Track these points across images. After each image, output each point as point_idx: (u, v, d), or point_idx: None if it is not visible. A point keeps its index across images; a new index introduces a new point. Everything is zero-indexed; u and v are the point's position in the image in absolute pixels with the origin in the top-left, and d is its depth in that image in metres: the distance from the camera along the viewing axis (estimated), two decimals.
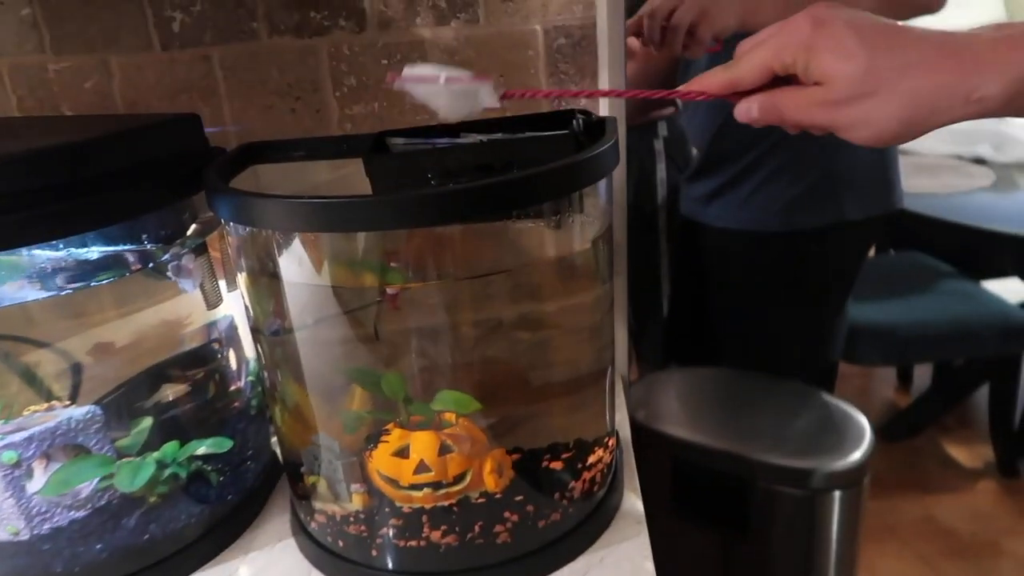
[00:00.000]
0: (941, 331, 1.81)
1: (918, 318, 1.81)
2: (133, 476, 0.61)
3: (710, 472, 1.15)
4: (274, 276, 0.57)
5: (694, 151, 1.29)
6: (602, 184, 0.57)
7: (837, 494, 1.13)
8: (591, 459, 0.63)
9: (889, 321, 1.82)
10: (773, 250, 1.17)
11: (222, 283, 0.69)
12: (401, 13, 0.73)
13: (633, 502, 0.66)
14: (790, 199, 1.13)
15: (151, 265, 0.62)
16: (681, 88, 0.51)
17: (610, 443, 0.66)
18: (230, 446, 0.68)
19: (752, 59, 0.49)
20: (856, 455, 1.13)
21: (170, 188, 0.58)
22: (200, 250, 0.65)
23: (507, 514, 0.60)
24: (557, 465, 0.63)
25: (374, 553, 0.60)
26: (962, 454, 2.15)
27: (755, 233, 1.17)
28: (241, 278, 0.61)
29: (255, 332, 0.64)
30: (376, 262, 0.56)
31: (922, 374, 2.46)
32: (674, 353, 1.48)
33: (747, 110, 0.50)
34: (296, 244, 0.55)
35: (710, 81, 0.51)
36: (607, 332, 0.65)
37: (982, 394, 2.15)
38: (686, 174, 1.30)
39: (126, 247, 0.61)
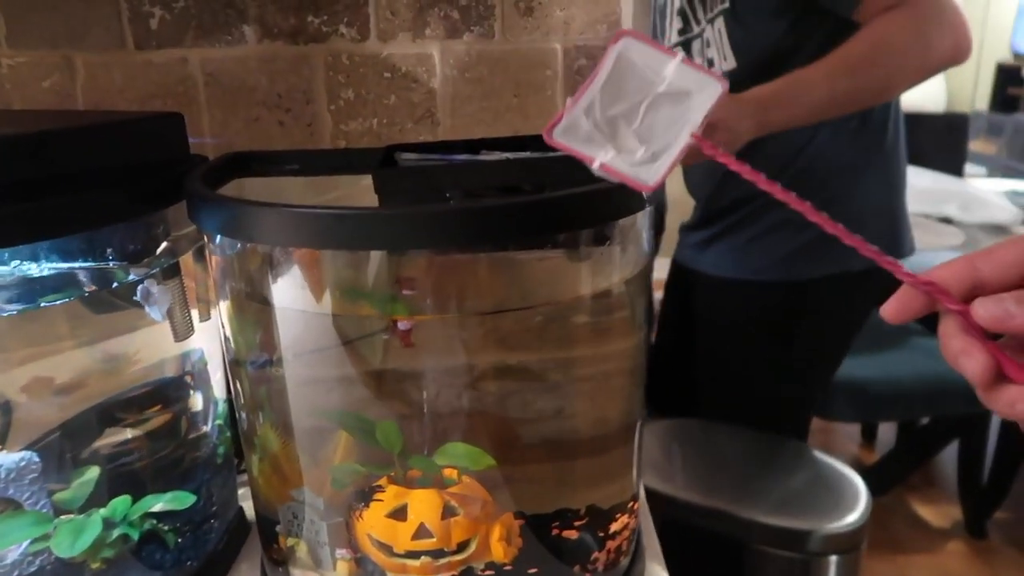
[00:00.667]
0: (913, 389, 1.79)
1: (890, 375, 1.79)
2: (74, 538, 0.51)
3: (701, 531, 1.08)
4: (264, 302, 0.48)
5: (692, 202, 1.24)
6: (643, 216, 0.51)
7: (834, 559, 1.07)
8: (616, 525, 0.56)
9: (862, 377, 1.80)
10: (771, 300, 1.13)
11: (194, 312, 0.60)
12: (409, 23, 0.67)
13: (658, 572, 0.59)
14: (793, 248, 1.08)
15: (113, 285, 0.52)
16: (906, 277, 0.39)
17: (635, 507, 0.59)
18: (192, 502, 0.58)
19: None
20: (853, 517, 1.07)
21: (144, 196, 0.49)
22: (171, 272, 0.56)
23: None
24: (572, 533, 0.56)
25: None
26: (929, 513, 2.13)
27: (753, 282, 1.13)
28: (223, 305, 0.52)
29: (234, 366, 0.55)
30: (387, 291, 0.49)
31: (886, 430, 2.45)
32: (653, 401, 1.42)
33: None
34: (294, 266, 0.47)
35: (942, 275, 0.34)
36: (639, 383, 0.58)
37: (947, 452, 2.14)
38: (686, 222, 1.25)
39: (85, 263, 0.52)
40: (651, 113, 0.36)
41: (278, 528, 0.56)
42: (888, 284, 0.35)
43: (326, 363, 0.54)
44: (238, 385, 0.56)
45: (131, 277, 0.52)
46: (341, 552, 0.53)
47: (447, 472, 0.56)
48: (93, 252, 0.52)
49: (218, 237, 0.48)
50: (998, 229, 2.11)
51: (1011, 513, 2.06)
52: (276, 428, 0.55)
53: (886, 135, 1.09)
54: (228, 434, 0.66)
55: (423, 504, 0.53)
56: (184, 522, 0.59)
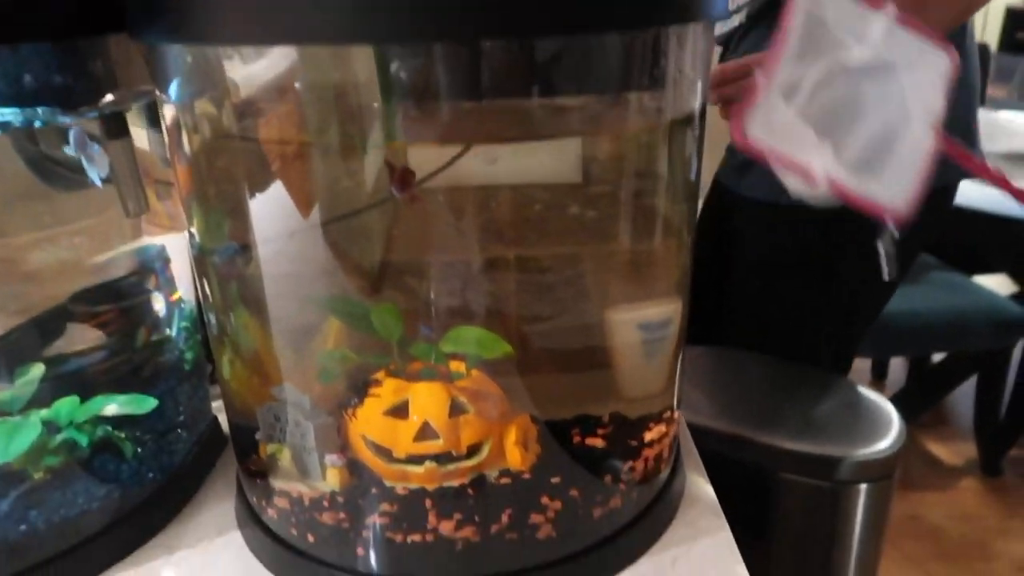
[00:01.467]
0: (936, 323, 1.72)
1: (909, 309, 1.71)
2: (7, 440, 0.43)
3: (727, 460, 1.00)
4: (231, 174, 0.39)
5: None
6: (695, 35, 0.41)
7: (864, 487, 1.00)
8: (651, 434, 0.47)
9: (884, 312, 1.73)
10: (822, 224, 1.02)
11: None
12: None
13: (701, 486, 0.50)
14: None
15: (36, 125, 0.43)
16: None
17: (673, 416, 0.50)
18: (152, 407, 0.49)
19: None
20: (886, 443, 1.00)
21: (79, 12, 0.39)
22: (117, 129, 0.46)
23: (545, 499, 0.43)
24: (597, 440, 0.47)
25: (359, 551, 0.43)
26: (943, 452, 2.08)
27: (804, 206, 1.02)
28: (181, 172, 0.43)
29: (200, 259, 0.46)
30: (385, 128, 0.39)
31: (896, 369, 2.39)
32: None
33: None
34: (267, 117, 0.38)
35: None
36: (685, 266, 0.49)
37: (960, 391, 2.09)
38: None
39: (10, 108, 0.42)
40: (845, 92, 0.25)
41: (256, 435, 0.47)
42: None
43: (311, 244, 0.44)
44: (205, 282, 0.46)
45: (64, 119, 0.42)
46: (331, 458, 0.44)
47: (454, 365, 0.47)
48: (20, 94, 0.42)
49: (167, 59, 0.38)
50: (1022, 158, 2.02)
51: None
52: (252, 318, 0.46)
53: (965, 54, 1.00)
54: (198, 338, 0.57)
55: (427, 399, 0.44)
56: (145, 431, 0.50)
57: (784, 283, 1.09)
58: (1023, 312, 1.81)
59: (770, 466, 0.98)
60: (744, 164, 1.09)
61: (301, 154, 0.43)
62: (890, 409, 1.06)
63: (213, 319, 0.48)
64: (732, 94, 0.89)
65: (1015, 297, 1.85)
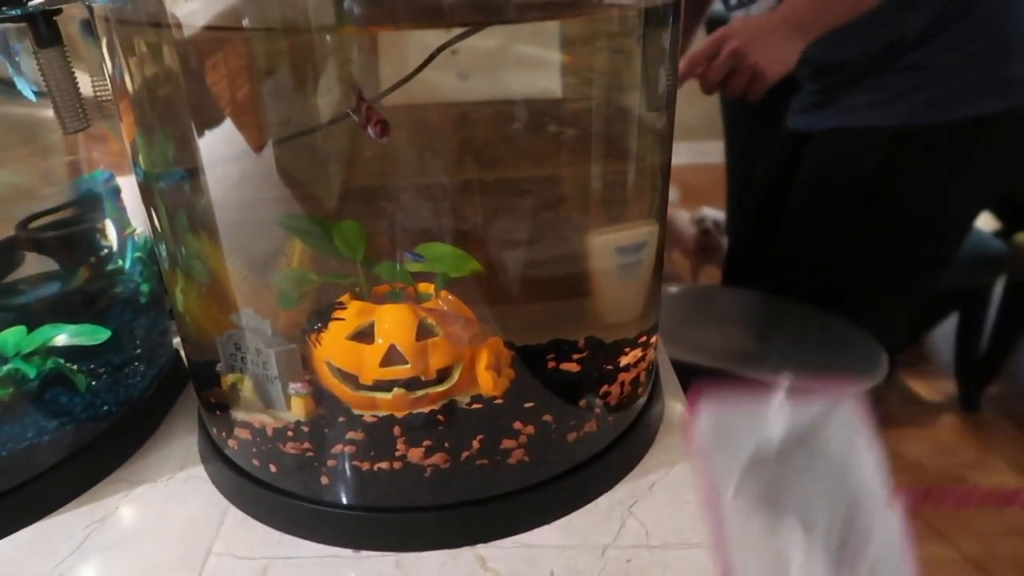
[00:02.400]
0: None
1: None
2: None
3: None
4: (171, 77, 0.36)
5: None
6: None
7: None
8: (627, 358, 0.45)
9: None
10: (910, 151, 0.98)
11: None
12: None
13: (680, 413, 0.49)
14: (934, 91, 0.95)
15: None
16: None
17: (652, 340, 0.48)
18: (105, 337, 0.47)
19: None
20: (870, 378, 0.99)
21: None
22: (49, 37, 0.43)
23: (517, 425, 0.41)
24: (572, 366, 0.45)
25: (324, 481, 0.41)
26: (922, 388, 2.10)
27: (883, 129, 0.98)
28: (118, 92, 0.39)
29: (146, 183, 0.43)
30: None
31: None
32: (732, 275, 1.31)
33: None
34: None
35: None
36: (662, 189, 0.47)
37: (939, 329, 2.10)
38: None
39: None
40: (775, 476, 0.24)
41: (218, 366, 0.45)
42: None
43: (265, 165, 0.41)
44: (153, 211, 0.43)
45: None
46: (294, 387, 0.42)
47: (422, 286, 0.44)
48: None
49: None
50: None
51: (1004, 387, 2.03)
52: (206, 243, 0.43)
53: None
54: (155, 270, 0.54)
55: (393, 322, 0.42)
56: (100, 364, 0.48)
57: (845, 208, 1.04)
58: (1004, 248, 1.81)
59: None
60: (814, 104, 1.05)
61: (250, 78, 0.40)
62: (874, 344, 1.05)
63: (164, 250, 0.45)
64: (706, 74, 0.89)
65: (997, 234, 1.85)
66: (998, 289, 1.91)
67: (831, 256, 1.10)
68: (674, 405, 0.50)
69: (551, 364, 0.46)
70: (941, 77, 0.95)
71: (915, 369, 2.16)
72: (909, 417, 1.98)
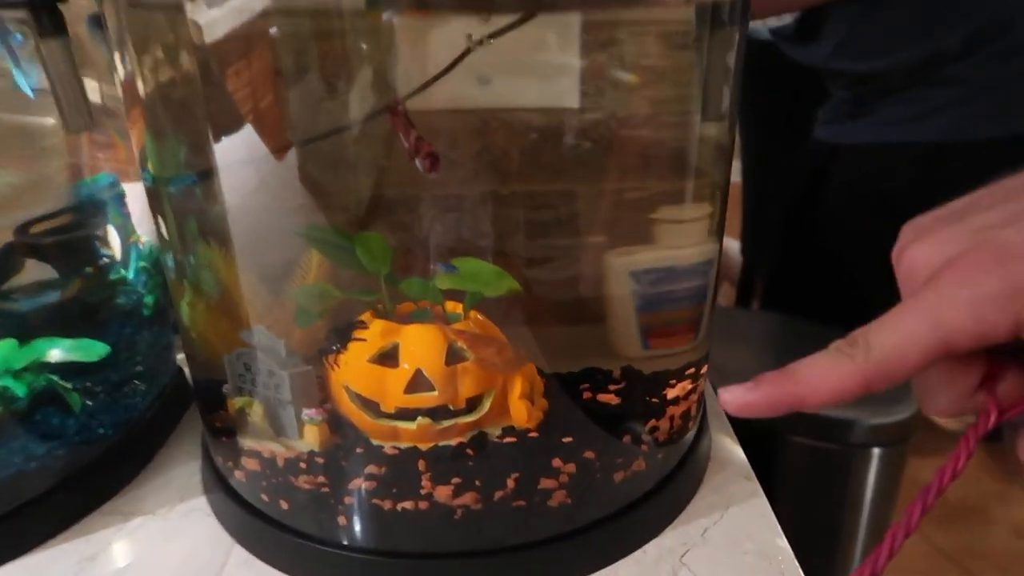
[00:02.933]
0: None
1: None
2: None
3: (733, 421, 0.95)
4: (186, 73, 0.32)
5: None
6: None
7: (876, 451, 0.95)
8: (677, 389, 0.41)
9: None
10: (948, 167, 0.94)
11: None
12: None
13: (729, 448, 0.45)
14: (973, 107, 0.91)
15: None
16: None
17: (702, 371, 0.44)
18: (103, 353, 0.43)
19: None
20: (901, 407, 0.95)
21: None
22: (52, 26, 0.39)
23: (557, 462, 0.37)
24: (610, 397, 0.41)
25: (340, 521, 0.37)
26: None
27: (916, 144, 0.95)
28: (126, 87, 0.36)
29: (154, 187, 0.39)
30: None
31: None
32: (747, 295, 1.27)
33: None
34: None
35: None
36: (720, 201, 0.43)
37: None
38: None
39: None
40: None
41: (225, 388, 0.41)
42: None
43: (286, 171, 0.38)
44: (160, 215, 0.40)
45: None
46: (309, 413, 0.38)
47: (450, 305, 0.41)
48: None
49: None
50: None
51: None
52: (216, 252, 0.39)
53: None
54: (160, 281, 0.51)
55: (420, 344, 0.38)
56: (96, 381, 0.44)
57: (880, 226, 1.00)
58: None
59: (779, 428, 0.94)
60: (848, 114, 1.02)
61: (273, 76, 0.37)
62: None
63: (171, 259, 0.41)
64: None
65: None
66: None
67: (862, 275, 1.05)
68: (722, 440, 0.46)
69: (586, 395, 0.42)
70: (980, 92, 0.91)
71: None
72: (929, 445, 1.92)
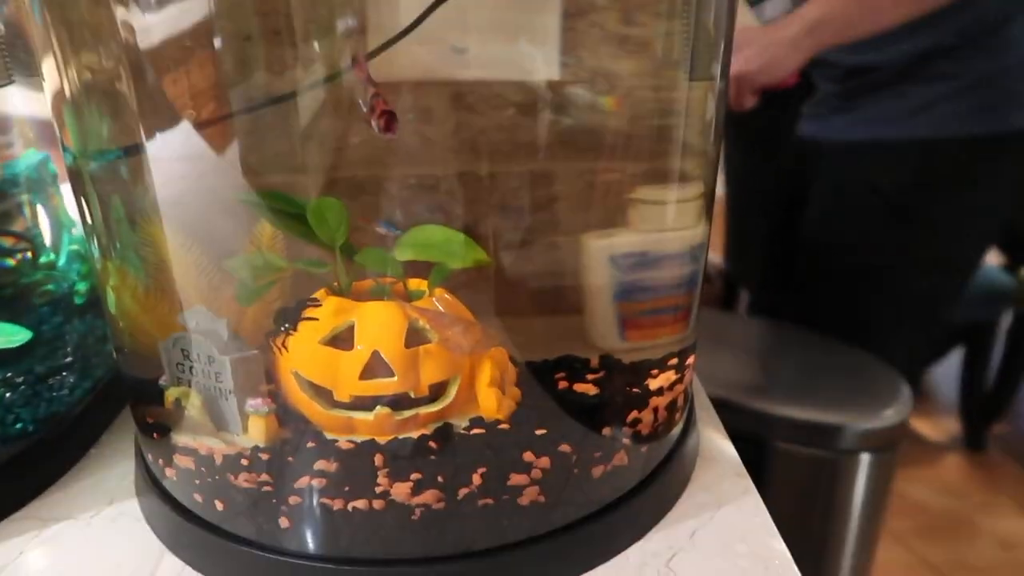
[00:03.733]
0: None
1: None
2: None
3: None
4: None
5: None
6: None
7: (866, 457, 0.92)
8: (657, 381, 0.37)
9: None
10: (916, 163, 0.92)
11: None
12: None
13: (719, 443, 0.41)
14: (959, 104, 0.89)
15: None
16: None
17: (690, 361, 0.40)
18: (25, 339, 0.38)
19: None
20: (890, 412, 0.92)
21: None
22: None
23: (529, 456, 0.33)
24: (587, 387, 0.37)
25: (284, 523, 0.32)
26: (926, 427, 2.03)
27: (897, 143, 0.93)
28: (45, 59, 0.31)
29: (75, 164, 0.35)
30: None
31: None
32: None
33: None
34: None
35: None
36: (709, 180, 0.39)
37: (942, 365, 2.05)
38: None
39: None
40: None
41: (162, 381, 0.37)
42: None
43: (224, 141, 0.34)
44: (82, 194, 0.35)
45: None
46: (253, 403, 0.34)
47: (413, 282, 0.37)
48: None
49: None
50: None
51: (1011, 426, 1.97)
52: (147, 222, 0.35)
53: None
54: (91, 266, 0.46)
55: (377, 324, 0.34)
56: (18, 372, 0.39)
57: (877, 230, 0.98)
58: (1012, 282, 1.76)
59: (764, 434, 0.90)
60: (835, 108, 0.99)
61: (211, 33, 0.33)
62: (895, 375, 0.98)
63: (96, 242, 0.37)
64: None
65: (1003, 268, 1.80)
66: (1004, 325, 1.86)
67: (852, 281, 1.03)
68: (711, 436, 0.42)
69: (562, 384, 0.38)
70: (974, 87, 0.89)
71: (917, 407, 2.10)
72: (913, 456, 1.90)
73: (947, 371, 2.03)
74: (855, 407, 0.91)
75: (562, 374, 0.38)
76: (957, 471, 1.85)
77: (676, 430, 0.39)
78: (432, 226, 0.33)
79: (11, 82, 0.37)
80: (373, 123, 0.31)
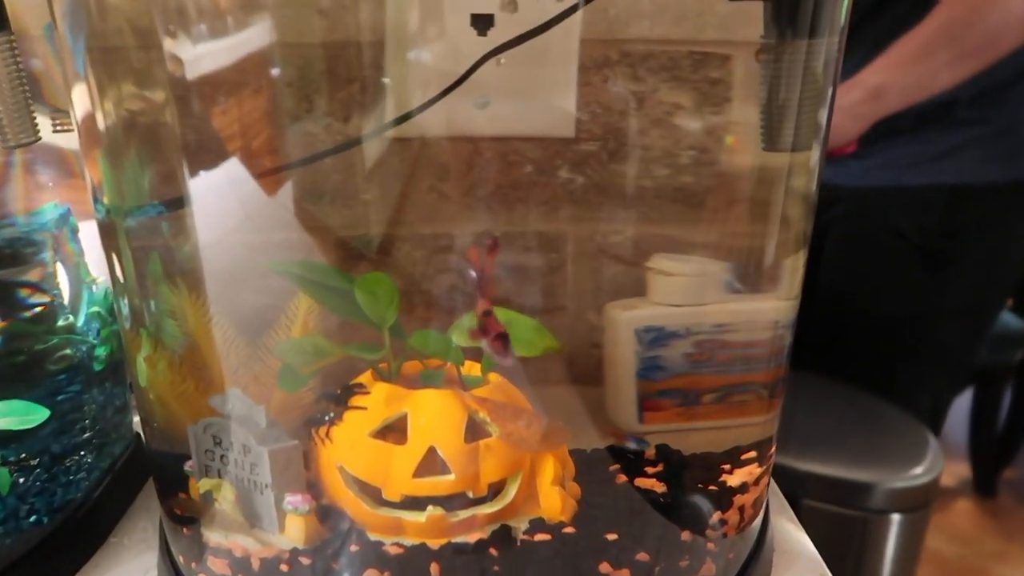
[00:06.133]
0: None
1: None
2: None
3: None
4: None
5: None
6: None
7: (896, 517, 0.89)
8: (735, 478, 0.34)
9: None
10: (936, 210, 0.91)
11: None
12: None
13: (794, 536, 0.38)
14: (975, 150, 0.88)
15: None
16: None
17: (771, 452, 0.37)
18: (44, 418, 0.35)
19: None
20: (920, 470, 0.89)
21: None
22: None
23: (606, 567, 0.30)
24: (650, 482, 0.34)
25: None
26: None
27: (913, 188, 0.91)
28: (78, 101, 0.29)
29: (108, 219, 0.32)
30: None
31: None
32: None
33: None
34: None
35: None
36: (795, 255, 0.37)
37: (951, 408, 2.02)
38: None
39: None
40: None
41: (188, 466, 0.33)
42: None
43: (273, 202, 0.31)
44: (114, 252, 0.33)
45: None
46: (292, 500, 0.31)
47: (469, 365, 0.34)
48: None
49: None
50: None
51: (1021, 471, 1.94)
52: (184, 297, 0.32)
53: None
54: (115, 331, 0.43)
55: (435, 415, 0.31)
56: (32, 452, 0.36)
57: (900, 270, 0.95)
58: (1022, 326, 1.74)
59: (792, 492, 0.87)
60: (852, 153, 0.97)
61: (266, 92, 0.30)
62: (924, 430, 0.95)
63: (126, 305, 0.34)
64: None
65: (1013, 311, 1.79)
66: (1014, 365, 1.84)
67: (876, 327, 1.00)
68: (784, 526, 0.39)
69: (619, 478, 0.35)
70: (998, 134, 0.88)
71: None
72: (937, 516, 1.87)
73: (956, 414, 2.00)
74: (885, 465, 0.88)
75: (616, 466, 0.35)
76: (968, 518, 1.82)
77: (756, 525, 0.36)
78: (501, 308, 0.30)
79: (38, 139, 0.34)
80: (485, 345, 0.29)
